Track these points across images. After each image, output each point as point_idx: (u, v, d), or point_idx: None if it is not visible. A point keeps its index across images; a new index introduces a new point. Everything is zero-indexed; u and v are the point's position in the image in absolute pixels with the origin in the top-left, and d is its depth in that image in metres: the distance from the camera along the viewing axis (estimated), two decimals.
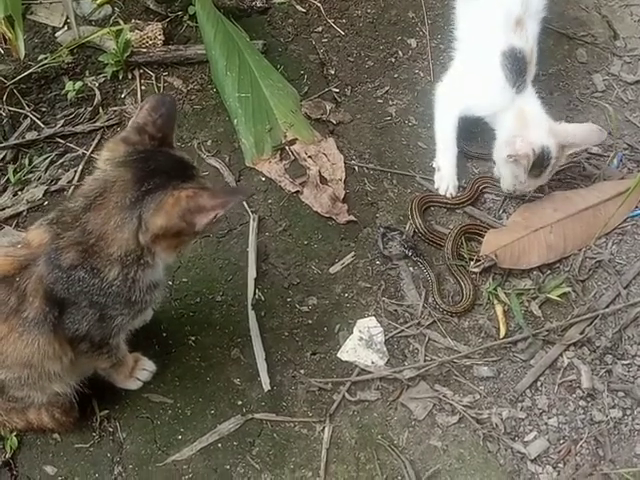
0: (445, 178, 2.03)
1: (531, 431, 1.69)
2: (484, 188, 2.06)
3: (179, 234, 1.30)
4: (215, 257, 1.90)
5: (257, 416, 1.67)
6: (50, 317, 1.33)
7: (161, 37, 2.25)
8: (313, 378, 1.73)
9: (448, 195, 2.02)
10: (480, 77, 2.01)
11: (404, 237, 1.92)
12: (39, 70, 2.18)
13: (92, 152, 2.06)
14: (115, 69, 2.18)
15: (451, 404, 1.70)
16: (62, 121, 2.12)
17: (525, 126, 1.90)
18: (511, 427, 1.69)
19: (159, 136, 1.33)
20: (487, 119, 2.04)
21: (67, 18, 2.27)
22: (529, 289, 1.87)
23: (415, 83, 2.25)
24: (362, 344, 1.78)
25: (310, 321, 1.82)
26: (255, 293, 1.84)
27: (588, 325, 1.81)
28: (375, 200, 2.03)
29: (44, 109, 2.16)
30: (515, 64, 1.93)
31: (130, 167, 1.30)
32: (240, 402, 1.70)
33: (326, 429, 1.66)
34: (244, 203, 1.96)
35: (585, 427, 1.69)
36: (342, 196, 2.02)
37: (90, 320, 1.36)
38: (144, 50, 2.22)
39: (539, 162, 1.87)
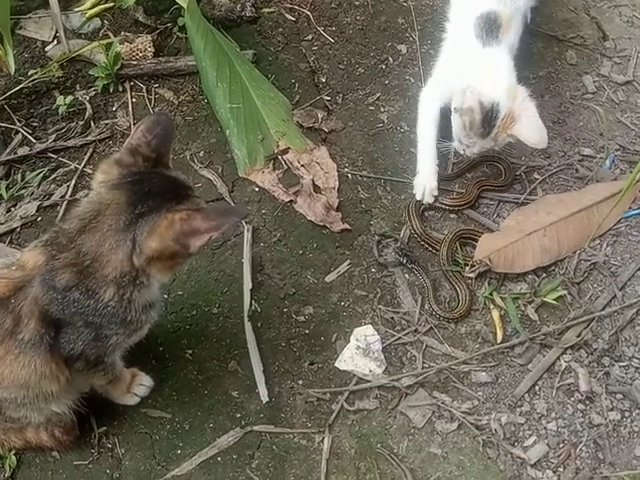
0: (422, 183, 2.00)
1: (530, 436, 1.69)
2: (483, 192, 2.06)
3: (174, 256, 1.30)
4: (210, 269, 1.90)
5: (256, 428, 1.67)
6: (46, 338, 1.32)
7: (151, 49, 2.24)
8: (311, 388, 1.73)
9: (424, 202, 1.99)
10: (457, 44, 2.00)
11: (399, 244, 1.92)
12: (30, 85, 2.17)
13: (84, 166, 2.06)
14: (106, 82, 2.18)
15: (450, 411, 1.71)
16: (54, 136, 2.12)
17: (484, 78, 1.85)
18: (510, 432, 1.69)
19: (153, 157, 1.33)
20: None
21: (56, 32, 2.27)
22: (525, 293, 1.87)
23: (406, 89, 2.25)
24: (359, 353, 1.78)
25: (307, 331, 1.82)
26: (251, 304, 1.84)
27: (585, 328, 1.82)
28: (369, 207, 2.03)
29: (35, 124, 2.15)
30: (487, 22, 1.91)
31: (124, 190, 1.30)
32: (239, 415, 1.69)
33: (325, 439, 1.66)
34: None
35: (584, 430, 1.69)
36: (336, 204, 2.02)
37: (85, 340, 1.36)
38: (134, 62, 2.22)
39: (486, 118, 1.82)
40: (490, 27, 1.90)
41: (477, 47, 1.92)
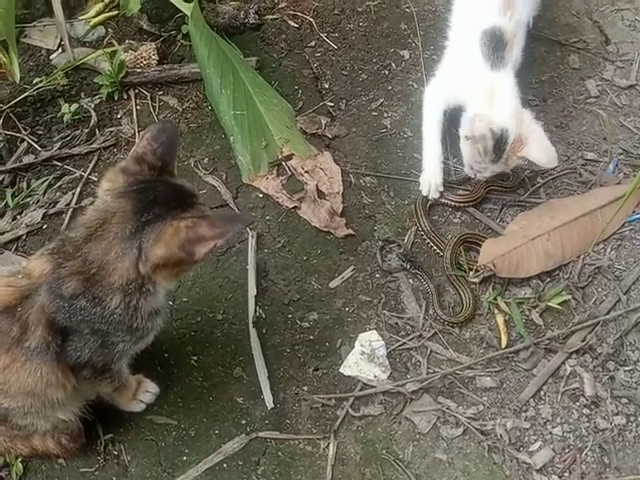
0: (427, 180, 2.02)
1: (536, 441, 1.69)
2: (489, 192, 2.06)
3: (179, 263, 1.31)
4: (215, 275, 1.91)
5: (261, 434, 1.68)
6: (53, 346, 1.33)
7: (155, 57, 2.25)
8: (316, 394, 1.73)
9: (430, 197, 2.02)
10: (461, 56, 2.02)
11: (402, 250, 1.93)
12: (35, 93, 2.18)
13: (90, 174, 2.07)
14: (110, 90, 2.19)
15: (455, 416, 1.71)
16: (59, 144, 2.13)
17: (490, 105, 1.88)
18: (516, 437, 1.69)
19: (159, 165, 1.35)
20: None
21: (61, 40, 2.28)
22: (529, 298, 1.87)
23: (409, 95, 2.26)
24: (364, 358, 1.78)
25: (311, 337, 1.83)
26: (256, 310, 1.84)
27: (589, 332, 1.81)
28: (373, 213, 2.03)
29: (41, 132, 2.16)
30: (492, 40, 1.93)
31: (130, 198, 1.31)
32: (244, 421, 1.70)
33: (331, 445, 1.67)
34: None
35: (590, 435, 1.69)
36: (340, 210, 2.02)
37: (92, 347, 1.37)
38: (139, 70, 2.23)
39: (497, 145, 1.85)
40: (496, 46, 1.92)
41: (483, 68, 1.93)
